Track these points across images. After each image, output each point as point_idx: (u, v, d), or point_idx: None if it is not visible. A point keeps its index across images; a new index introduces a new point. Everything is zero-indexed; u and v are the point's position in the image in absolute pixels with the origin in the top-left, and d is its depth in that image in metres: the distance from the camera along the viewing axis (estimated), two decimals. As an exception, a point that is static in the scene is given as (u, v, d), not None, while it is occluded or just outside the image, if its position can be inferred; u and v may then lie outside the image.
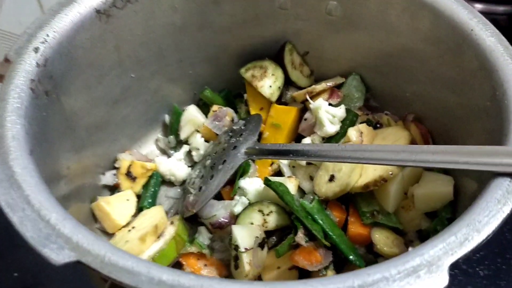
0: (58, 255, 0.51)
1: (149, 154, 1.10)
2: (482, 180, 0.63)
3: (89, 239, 0.52)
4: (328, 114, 0.98)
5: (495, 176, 0.59)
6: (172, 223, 0.91)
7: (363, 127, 0.94)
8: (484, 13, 1.70)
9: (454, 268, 0.98)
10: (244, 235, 0.84)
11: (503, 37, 0.77)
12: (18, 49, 0.75)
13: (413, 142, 0.90)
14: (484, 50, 0.76)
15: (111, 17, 0.88)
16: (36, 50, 0.75)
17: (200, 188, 0.92)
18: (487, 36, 0.77)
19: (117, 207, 0.94)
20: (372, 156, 0.72)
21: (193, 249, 0.91)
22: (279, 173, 1.02)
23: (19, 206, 0.55)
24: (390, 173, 0.83)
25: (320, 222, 0.84)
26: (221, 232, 0.94)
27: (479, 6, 1.64)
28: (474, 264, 1.02)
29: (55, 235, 0.53)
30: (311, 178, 0.96)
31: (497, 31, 0.78)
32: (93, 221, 0.95)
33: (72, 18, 0.82)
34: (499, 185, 0.58)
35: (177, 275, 0.49)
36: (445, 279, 0.49)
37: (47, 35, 0.78)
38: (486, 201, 0.56)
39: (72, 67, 0.83)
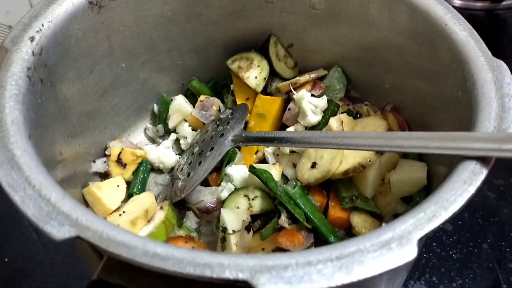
0: (58, 231, 0.54)
1: (138, 142, 1.14)
2: (453, 165, 0.68)
3: (87, 216, 0.56)
4: (311, 104, 1.02)
5: (463, 160, 0.64)
6: (161, 208, 0.95)
7: (343, 117, 0.99)
8: (463, 9, 1.77)
9: (429, 252, 1.05)
10: (232, 218, 0.88)
11: (474, 31, 0.82)
12: (14, 38, 0.77)
13: (390, 131, 0.95)
14: (457, 43, 0.81)
15: (103, 8, 0.91)
16: (32, 39, 0.78)
17: (189, 174, 0.96)
18: (460, 30, 0.82)
19: (108, 192, 0.97)
20: (351, 142, 0.76)
21: (181, 232, 0.95)
22: (264, 160, 1.07)
23: (20, 186, 0.59)
24: (369, 160, 0.88)
25: (302, 206, 0.89)
26: (208, 216, 0.98)
27: (457, 2, 1.69)
28: (448, 247, 1.07)
29: (55, 213, 0.56)
30: (294, 166, 1.00)
31: (469, 25, 0.83)
32: (85, 206, 0.98)
33: (66, 9, 0.84)
34: (466, 168, 0.62)
35: (170, 249, 0.53)
36: (414, 251, 0.53)
37: (42, 25, 0.80)
38: (454, 182, 0.61)
39: (65, 56, 0.86)
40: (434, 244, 1.08)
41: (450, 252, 1.07)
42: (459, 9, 1.72)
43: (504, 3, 1.69)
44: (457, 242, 1.09)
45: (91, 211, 0.58)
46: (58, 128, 0.87)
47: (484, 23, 1.69)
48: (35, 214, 0.56)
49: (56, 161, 0.86)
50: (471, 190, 0.60)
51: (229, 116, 1.02)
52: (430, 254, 1.06)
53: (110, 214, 0.97)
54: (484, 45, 0.78)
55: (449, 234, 1.09)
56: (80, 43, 0.89)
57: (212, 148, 0.95)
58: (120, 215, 0.94)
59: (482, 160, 0.63)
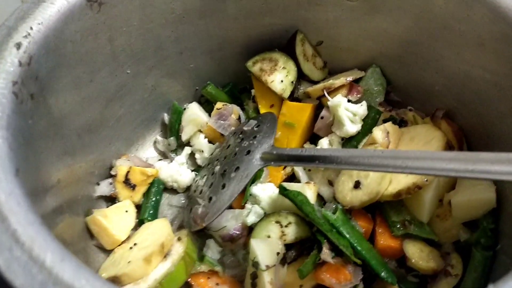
0: (57, 311, 0.41)
1: (148, 158, 1.00)
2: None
3: (95, 286, 0.42)
4: (348, 112, 0.88)
5: None
6: (179, 239, 0.81)
7: (389, 126, 0.85)
8: None
9: None
10: (264, 251, 0.76)
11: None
12: (-4, 45, 0.64)
13: (448, 143, 0.81)
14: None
15: (104, 5, 0.78)
16: (18, 46, 0.65)
17: (210, 198, 0.82)
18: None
19: (115, 220, 0.85)
20: (416, 165, 0.61)
21: (203, 268, 0.82)
22: (292, 176, 0.93)
23: (5, 245, 0.45)
24: (425, 179, 0.74)
25: (347, 235, 0.75)
26: (232, 245, 0.85)
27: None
28: None
29: (52, 283, 0.42)
30: (330, 183, 0.87)
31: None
32: (89, 237, 0.85)
33: (59, 8, 0.72)
34: None
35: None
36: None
37: (31, 28, 0.68)
38: None
39: (60, 64, 0.73)
40: None
41: None
42: None
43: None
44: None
45: (99, 277, 0.43)
46: (54, 150, 0.74)
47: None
48: (25, 285, 0.42)
49: (52, 188, 0.73)
50: None
51: (255, 128, 0.87)
52: None
53: (119, 245, 0.84)
54: None
55: None
56: (78, 47, 0.76)
57: (237, 168, 0.81)
58: (131, 248, 0.81)
59: None
